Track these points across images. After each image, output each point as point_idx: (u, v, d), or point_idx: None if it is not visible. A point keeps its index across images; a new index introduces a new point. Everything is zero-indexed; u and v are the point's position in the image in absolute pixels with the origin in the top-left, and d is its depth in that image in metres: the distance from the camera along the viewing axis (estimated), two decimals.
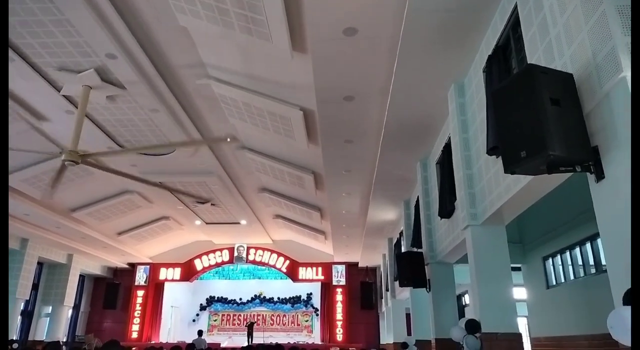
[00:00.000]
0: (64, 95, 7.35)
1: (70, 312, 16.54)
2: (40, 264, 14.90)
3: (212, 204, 13.27)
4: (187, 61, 6.67)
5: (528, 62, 3.62)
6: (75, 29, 5.83)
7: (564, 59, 3.06)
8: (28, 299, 14.11)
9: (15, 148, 7.13)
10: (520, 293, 9.48)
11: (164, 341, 16.71)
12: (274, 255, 17.94)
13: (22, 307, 14.05)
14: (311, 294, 19.14)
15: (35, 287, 14.77)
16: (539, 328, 9.18)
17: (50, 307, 15.44)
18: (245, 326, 16.88)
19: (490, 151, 4.30)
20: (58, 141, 8.63)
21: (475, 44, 4.71)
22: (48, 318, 15.41)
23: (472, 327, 5.15)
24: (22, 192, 10.50)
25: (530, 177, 3.58)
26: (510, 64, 4.23)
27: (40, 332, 15.12)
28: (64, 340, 15.98)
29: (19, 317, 14.08)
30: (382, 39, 4.94)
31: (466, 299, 12.07)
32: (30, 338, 14.60)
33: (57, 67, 6.70)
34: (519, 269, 9.66)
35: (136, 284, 17.94)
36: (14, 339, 13.38)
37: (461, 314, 9.97)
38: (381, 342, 16.44)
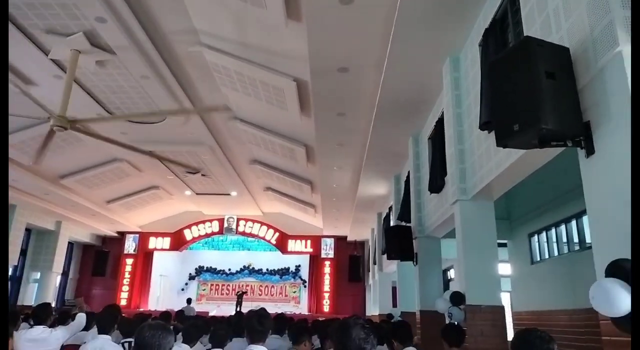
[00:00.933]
0: (52, 60, 7.17)
1: (59, 278, 16.61)
2: (28, 230, 14.85)
3: (202, 175, 13.22)
4: (179, 27, 6.52)
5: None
6: None
7: (560, 32, 3.04)
8: (16, 264, 14.13)
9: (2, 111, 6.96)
10: (505, 269, 9.69)
11: (153, 309, 16.91)
12: (264, 228, 18.07)
13: (10, 273, 14.08)
14: (299, 266, 19.39)
15: (23, 253, 14.78)
16: (521, 303, 9.44)
17: (39, 273, 15.49)
18: (236, 295, 17.12)
19: (483, 126, 4.30)
20: (46, 106, 8.45)
21: (472, 16, 4.65)
22: (36, 284, 15.48)
23: (457, 299, 5.27)
24: (10, 158, 10.35)
25: (521, 152, 3.60)
26: (506, 37, 4.19)
27: (29, 297, 15.20)
28: (53, 305, 16.09)
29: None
30: (379, 8, 4.86)
31: (451, 273, 12.32)
32: (18, 303, 14.69)
33: (45, 30, 6.51)
34: (505, 245, 9.84)
35: (125, 252, 18.04)
36: None
37: (446, 287, 10.18)
38: (367, 314, 16.81)
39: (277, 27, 5.83)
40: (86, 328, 4.41)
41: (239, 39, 6.56)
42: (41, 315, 4.00)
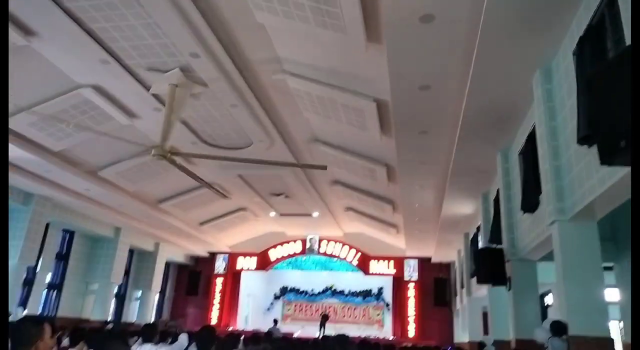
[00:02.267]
0: (152, 94, 7.89)
1: (157, 297, 17.83)
2: (131, 251, 16.18)
3: (286, 197, 13.63)
4: (264, 56, 6.88)
5: (626, 43, 3.32)
6: (162, 31, 6.23)
7: None
8: (121, 283, 15.40)
9: (114, 136, 7.75)
10: (613, 295, 8.77)
11: (242, 328, 17.49)
12: (345, 248, 18.06)
13: (115, 291, 15.38)
14: (382, 288, 19.05)
15: (127, 272, 16.09)
16: None
17: (140, 292, 16.75)
18: (320, 316, 17.21)
19: (582, 140, 4.00)
20: (148, 137, 9.29)
21: (564, 24, 4.39)
22: (138, 301, 16.73)
23: (559, 329, 4.87)
24: (116, 185, 11.46)
25: (628, 168, 3.29)
26: (605, 45, 3.89)
27: (132, 314, 16.46)
28: (152, 322, 17.26)
29: (114, 300, 15.42)
30: (460, 24, 4.77)
31: (549, 299, 11.38)
32: (122, 320, 15.95)
33: (147, 68, 7.21)
34: (611, 268, 8.94)
35: (216, 272, 18.92)
36: (110, 320, 14.71)
37: (544, 314, 9.43)
38: (455, 340, 16.00)
39: (358, 50, 5.94)
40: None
41: (320, 64, 6.77)
42: (148, 333, 4.34)
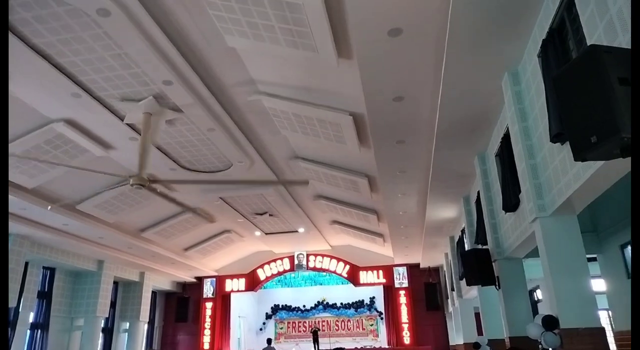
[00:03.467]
0: (127, 124, 7.81)
1: (145, 327, 17.40)
2: (116, 283, 15.80)
3: (270, 215, 13.56)
4: (237, 79, 6.90)
5: (588, 43, 3.47)
6: (133, 61, 6.20)
7: (628, 34, 2.91)
8: (107, 316, 15.00)
9: (90, 169, 7.62)
10: (598, 285, 8.97)
11: None
12: (334, 261, 18.01)
13: (102, 325, 14.96)
14: (374, 297, 19.02)
15: (112, 305, 15.69)
16: (623, 321, 8.62)
17: (128, 323, 16.33)
18: (310, 332, 17.05)
19: (555, 138, 4.13)
20: (125, 167, 9.16)
21: (526, 29, 4.55)
22: (126, 333, 16.30)
23: (550, 323, 4.94)
24: (96, 217, 11.23)
25: (601, 162, 3.41)
26: (567, 45, 4.05)
27: (120, 347, 16.01)
28: None
29: (101, 334, 14.99)
30: (428, 35, 4.90)
31: (538, 294, 11.55)
32: None
33: (120, 98, 7.14)
34: (594, 259, 9.14)
35: (204, 296, 18.58)
36: None
37: (534, 310, 9.56)
38: (450, 343, 16.04)
39: (330, 67, 6.01)
40: None
41: (294, 83, 6.82)
42: None
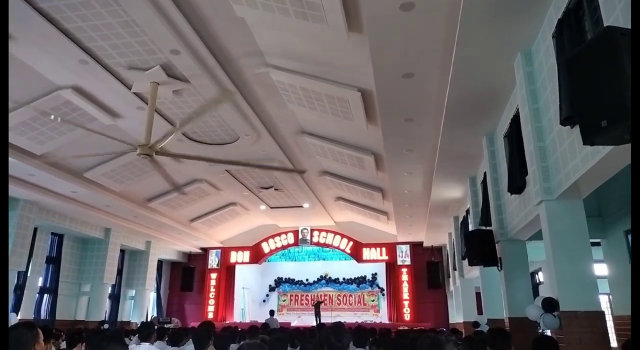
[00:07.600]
0: (134, 93, 7.78)
1: (152, 294, 17.80)
2: (122, 251, 16.10)
3: (275, 189, 13.62)
4: (246, 50, 6.81)
5: (604, 24, 3.36)
6: (141, 28, 6.13)
7: None
8: (114, 283, 15.34)
9: (100, 132, 7.63)
10: (601, 269, 8.98)
11: (238, 321, 17.56)
12: (338, 237, 18.17)
13: (109, 291, 15.32)
14: (376, 274, 19.25)
15: (119, 272, 16.03)
16: (623, 306, 8.66)
17: (134, 291, 16.71)
18: (312, 306, 17.35)
19: (565, 121, 4.05)
20: (132, 136, 9.19)
21: (542, 8, 4.42)
22: (132, 300, 16.70)
23: (550, 305, 4.98)
24: (102, 186, 11.34)
25: (610, 146, 3.35)
26: (583, 26, 3.93)
27: (127, 313, 16.43)
28: (150, 320, 17.24)
29: (108, 300, 15.36)
30: (440, 11, 4.78)
31: (540, 276, 11.59)
32: (118, 319, 15.91)
33: (127, 67, 7.10)
34: (598, 243, 9.12)
35: (209, 267, 18.92)
36: (104, 319, 14.68)
37: (535, 292, 9.61)
38: (450, 321, 16.26)
39: (339, 40, 5.91)
40: (181, 343, 4.70)
41: (302, 56, 6.73)
42: (145, 333, 4.33)
